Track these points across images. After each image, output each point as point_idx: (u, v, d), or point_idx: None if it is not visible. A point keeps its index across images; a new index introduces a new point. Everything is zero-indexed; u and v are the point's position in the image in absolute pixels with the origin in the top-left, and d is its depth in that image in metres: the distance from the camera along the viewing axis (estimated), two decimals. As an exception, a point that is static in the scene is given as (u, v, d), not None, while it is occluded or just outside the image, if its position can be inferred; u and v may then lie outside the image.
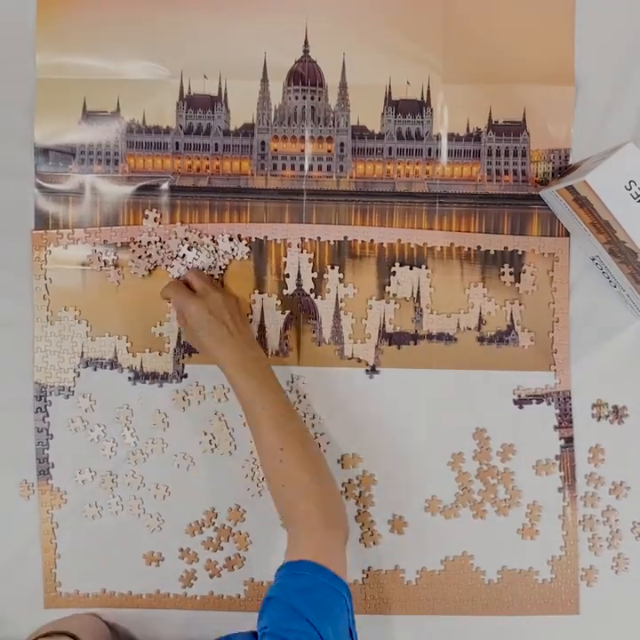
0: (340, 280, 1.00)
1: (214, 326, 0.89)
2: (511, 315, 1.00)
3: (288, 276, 0.99)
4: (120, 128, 0.98)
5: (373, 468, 1.00)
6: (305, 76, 0.98)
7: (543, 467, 1.00)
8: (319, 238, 0.99)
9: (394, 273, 1.00)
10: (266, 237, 0.99)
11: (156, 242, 0.98)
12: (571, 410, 1.00)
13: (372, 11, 0.98)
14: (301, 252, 0.99)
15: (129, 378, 1.00)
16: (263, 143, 0.99)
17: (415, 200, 0.99)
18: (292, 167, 0.99)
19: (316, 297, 1.00)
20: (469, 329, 1.00)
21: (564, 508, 1.00)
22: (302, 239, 0.99)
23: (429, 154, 0.99)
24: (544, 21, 0.98)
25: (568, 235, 0.99)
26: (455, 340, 1.00)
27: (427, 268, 0.99)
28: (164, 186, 0.99)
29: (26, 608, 0.99)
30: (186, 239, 0.98)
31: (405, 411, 1.00)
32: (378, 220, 0.99)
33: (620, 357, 1.01)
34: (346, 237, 0.99)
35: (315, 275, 0.99)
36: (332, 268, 0.99)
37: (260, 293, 0.99)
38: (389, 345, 1.00)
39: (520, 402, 1.00)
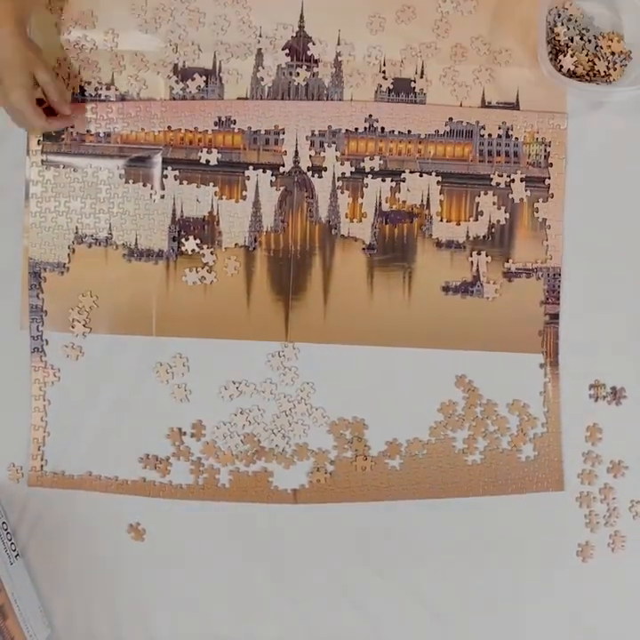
0: (337, 158, 0.99)
1: None
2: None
3: (285, 153, 0.99)
4: (114, 100, 0.99)
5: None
6: (299, 51, 0.98)
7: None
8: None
9: (404, 179, 0.99)
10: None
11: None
12: (559, 286, 0.99)
13: (369, -12, 0.98)
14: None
15: (124, 255, 0.99)
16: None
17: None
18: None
19: (313, 175, 0.99)
20: (478, 237, 1.00)
21: (545, 384, 0.99)
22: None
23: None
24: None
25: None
26: (464, 248, 1.00)
27: (438, 174, 1.00)
28: (156, 158, 0.98)
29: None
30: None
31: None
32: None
33: (619, 339, 1.00)
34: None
35: (312, 152, 0.99)
36: (330, 145, 0.99)
37: (254, 170, 0.99)
38: (385, 223, 0.99)
39: (509, 274, 1.00)
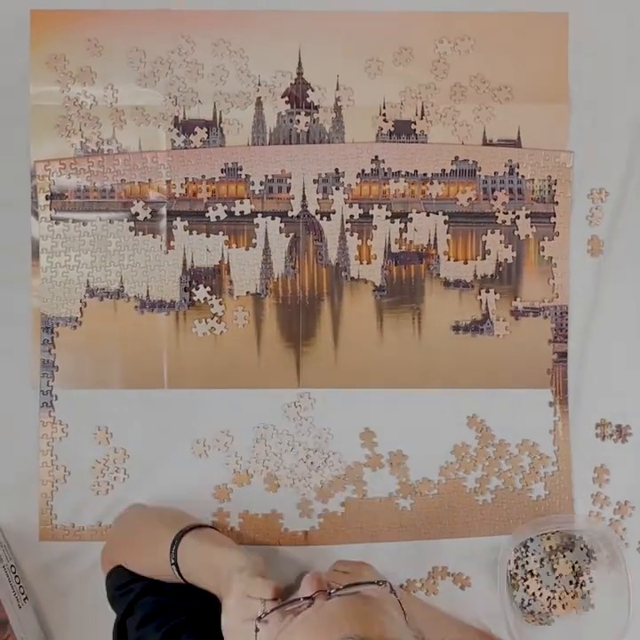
0: (346, 201, 0.99)
1: None
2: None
3: (293, 197, 0.99)
4: (116, 153, 0.99)
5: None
6: (299, 98, 0.98)
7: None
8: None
9: (410, 219, 1.00)
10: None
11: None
12: (566, 324, 1.00)
13: (365, 33, 0.99)
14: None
15: (136, 307, 0.99)
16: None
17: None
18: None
19: (321, 218, 0.99)
20: (486, 276, 1.00)
21: (555, 422, 1.00)
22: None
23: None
24: (537, 40, 1.00)
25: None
26: (471, 287, 1.00)
27: (444, 214, 1.00)
28: (162, 211, 0.98)
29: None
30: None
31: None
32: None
33: (623, 377, 1.01)
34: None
35: (320, 196, 0.99)
36: (337, 188, 0.99)
37: (263, 217, 0.99)
38: (396, 265, 1.00)
39: (516, 313, 1.00)
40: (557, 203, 1.00)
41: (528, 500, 1.00)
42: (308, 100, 1.00)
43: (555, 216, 1.00)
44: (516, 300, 1.00)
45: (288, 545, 0.99)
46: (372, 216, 1.00)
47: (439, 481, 1.00)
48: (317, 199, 1.00)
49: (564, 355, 1.00)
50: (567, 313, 1.00)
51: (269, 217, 0.99)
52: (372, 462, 1.00)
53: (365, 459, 1.00)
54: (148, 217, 0.99)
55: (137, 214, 0.99)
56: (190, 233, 0.99)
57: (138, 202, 0.99)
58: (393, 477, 1.00)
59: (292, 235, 1.00)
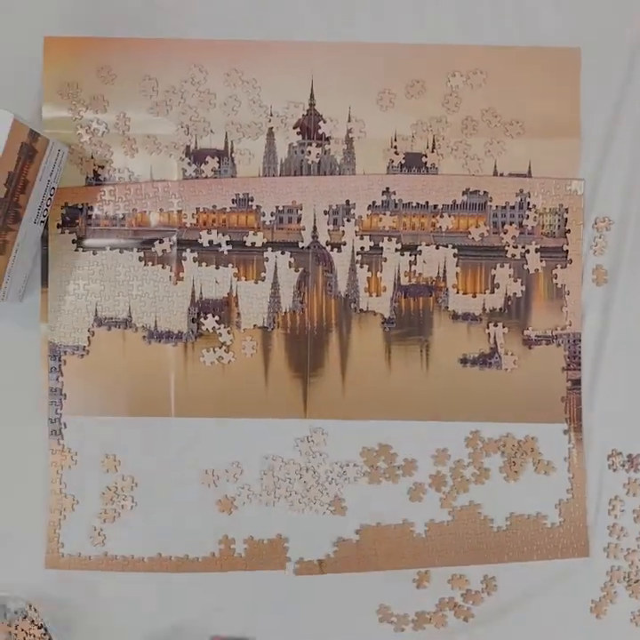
0: (357, 233, 0.99)
1: None
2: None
3: (303, 228, 0.99)
4: (127, 182, 0.99)
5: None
6: (311, 129, 0.98)
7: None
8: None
9: (420, 252, 1.00)
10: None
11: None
12: (579, 352, 1.00)
13: (377, 65, 0.99)
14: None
15: (143, 337, 0.99)
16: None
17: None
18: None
19: (331, 249, 0.99)
20: (494, 310, 1.01)
21: (569, 450, 1.00)
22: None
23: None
24: (550, 75, 0.99)
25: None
26: (480, 320, 1.00)
27: (454, 247, 1.00)
28: (171, 239, 0.99)
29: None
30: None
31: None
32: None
33: (630, 406, 1.01)
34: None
35: (331, 227, 0.99)
36: (349, 220, 0.99)
37: (272, 251, 0.99)
38: (405, 297, 1.00)
39: (529, 342, 1.00)
40: (569, 230, 1.00)
41: (542, 527, 1.00)
42: (320, 131, 1.00)
43: (567, 244, 1.00)
44: (528, 328, 1.00)
45: (303, 575, 0.99)
46: (382, 248, 1.00)
47: (454, 507, 1.00)
48: (328, 230, 1.00)
49: (577, 382, 1.00)
50: (580, 340, 1.00)
51: (279, 251, 0.99)
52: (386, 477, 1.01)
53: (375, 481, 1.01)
54: (159, 244, 0.99)
55: (145, 240, 0.99)
56: (199, 264, 0.99)
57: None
58: (409, 504, 1.01)
59: (301, 269, 1.00)
